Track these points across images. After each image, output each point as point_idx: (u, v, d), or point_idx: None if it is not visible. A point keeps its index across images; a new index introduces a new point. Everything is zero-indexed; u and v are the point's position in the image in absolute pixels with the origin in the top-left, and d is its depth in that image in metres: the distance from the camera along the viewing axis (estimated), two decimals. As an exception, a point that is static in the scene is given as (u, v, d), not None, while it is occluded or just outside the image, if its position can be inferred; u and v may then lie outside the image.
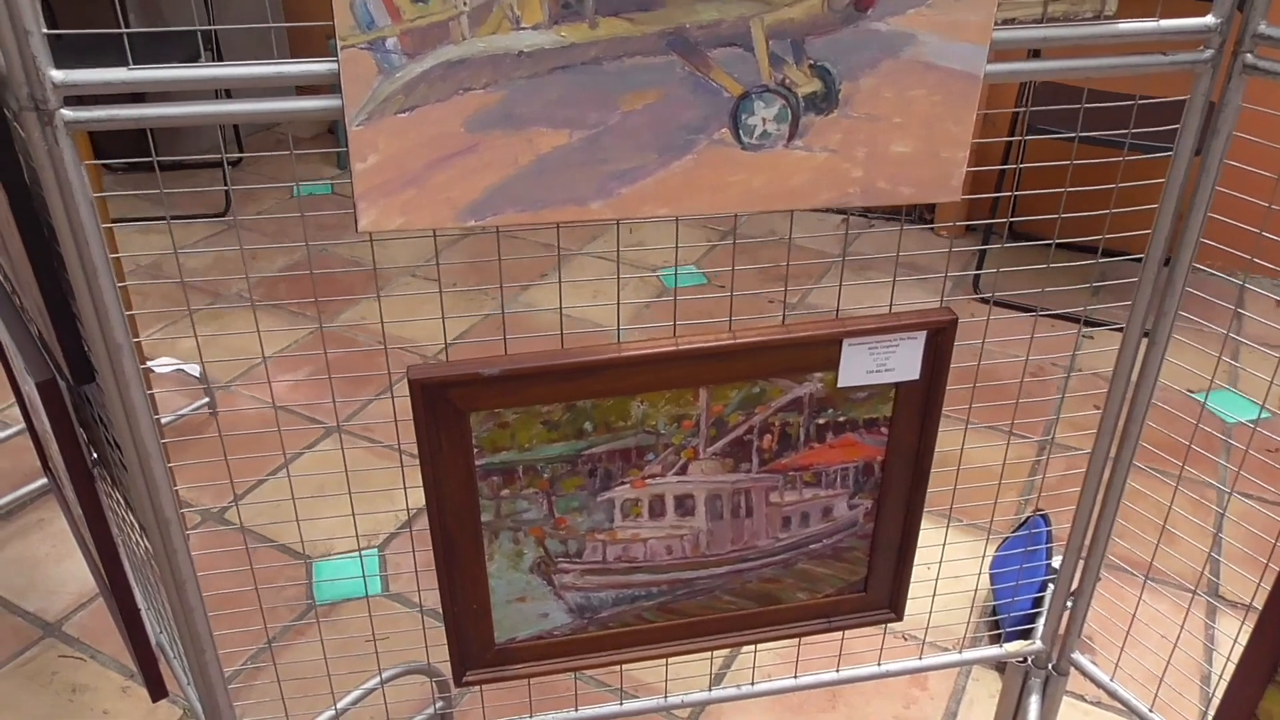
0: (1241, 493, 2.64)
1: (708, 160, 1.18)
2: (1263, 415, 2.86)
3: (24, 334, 1.55)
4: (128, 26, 4.33)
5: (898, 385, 1.38)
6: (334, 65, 1.08)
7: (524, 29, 1.08)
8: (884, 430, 1.42)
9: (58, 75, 1.07)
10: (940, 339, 1.35)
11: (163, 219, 4.30)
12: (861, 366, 1.34)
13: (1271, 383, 2.98)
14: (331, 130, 5.45)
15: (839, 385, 1.36)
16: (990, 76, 1.20)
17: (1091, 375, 3.08)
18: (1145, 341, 1.51)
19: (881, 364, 1.35)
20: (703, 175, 1.19)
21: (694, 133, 1.16)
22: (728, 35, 1.12)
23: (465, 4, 1.06)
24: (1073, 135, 2.99)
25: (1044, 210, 3.69)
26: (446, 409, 1.27)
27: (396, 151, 1.12)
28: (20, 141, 1.16)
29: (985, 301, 3.48)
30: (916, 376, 1.37)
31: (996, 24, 1.17)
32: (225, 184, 4.57)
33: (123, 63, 1.09)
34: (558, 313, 3.50)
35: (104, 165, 4.79)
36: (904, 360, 1.35)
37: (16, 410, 3.02)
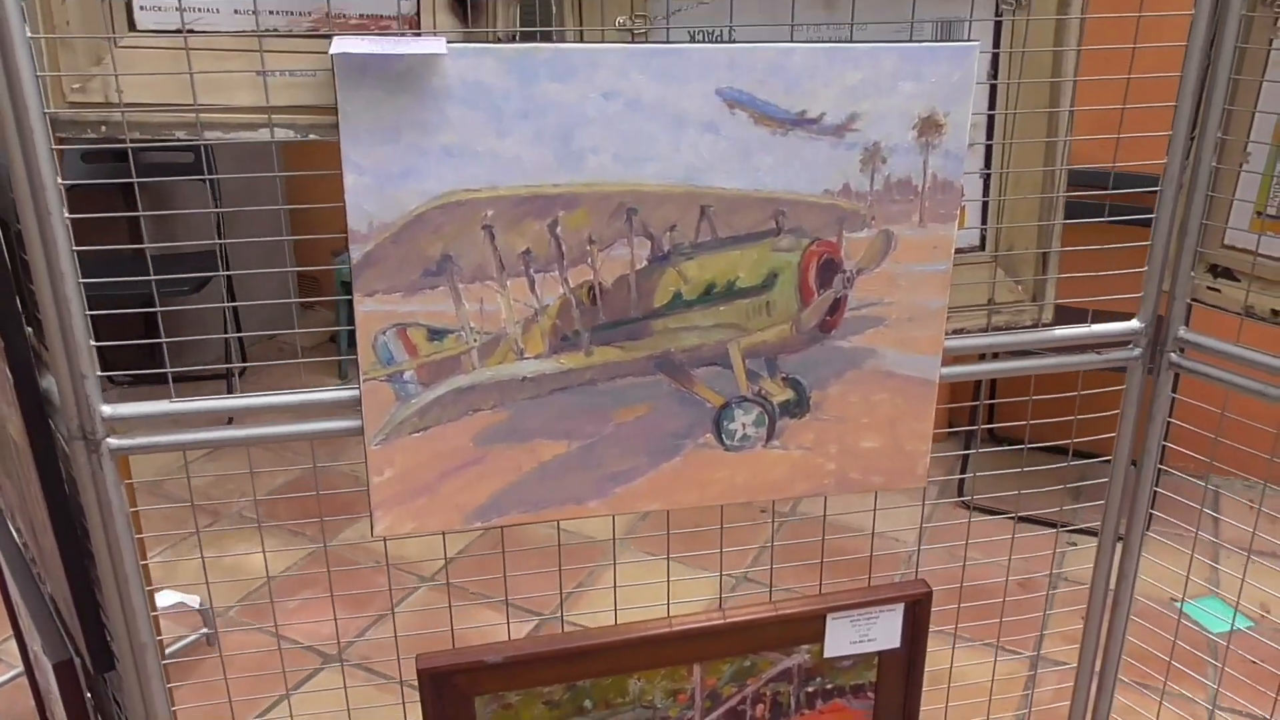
0: (1227, 708, 2.66)
1: (694, 461, 1.30)
2: (1244, 625, 2.91)
3: (42, 609, 1.62)
4: (144, 241, 4.52)
5: (880, 653, 1.46)
6: (356, 392, 1.20)
7: (527, 359, 1.21)
8: (870, 694, 1.48)
9: (107, 410, 1.19)
10: (917, 610, 1.44)
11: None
12: (845, 638, 1.43)
13: (1243, 585, 3.04)
14: (333, 339, 5.63)
15: (825, 656, 1.43)
16: (945, 377, 1.34)
17: (1079, 584, 3.13)
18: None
19: (864, 634, 1.43)
20: (690, 474, 1.30)
21: (681, 438, 1.28)
22: (708, 356, 1.26)
23: (475, 340, 1.19)
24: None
25: (1019, 414, 3.82)
26: (453, 693, 1.34)
27: (411, 466, 1.23)
28: (64, 457, 1.27)
29: (970, 508, 3.57)
30: (897, 644, 1.45)
31: (947, 334, 1.31)
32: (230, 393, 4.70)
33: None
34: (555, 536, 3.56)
35: (107, 378, 4.93)
36: (885, 630, 1.44)
37: (12, 644, 3.03)
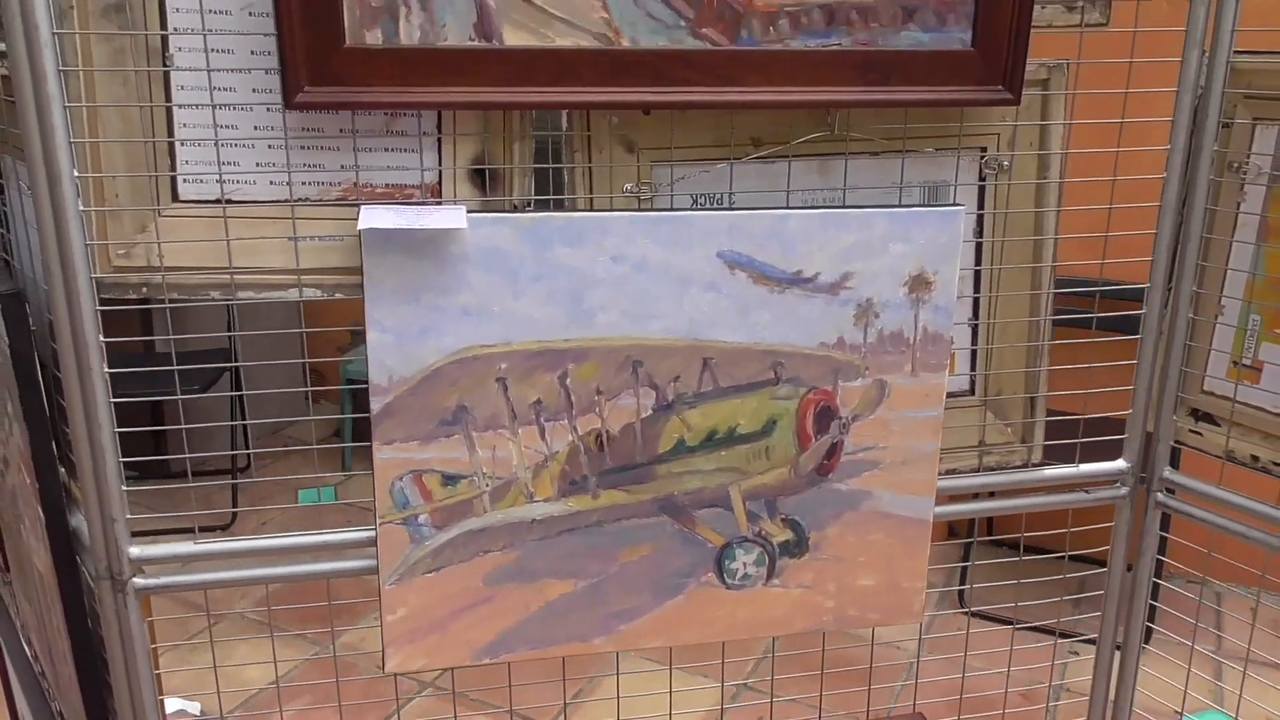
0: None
1: (697, 599, 1.34)
2: (1250, 740, 2.89)
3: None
4: (162, 333, 4.58)
5: (879, 785, 1.48)
6: (371, 533, 1.25)
7: (537, 502, 1.26)
8: (870, 827, 1.50)
9: (134, 551, 1.24)
10: (915, 742, 1.47)
11: (169, 532, 4.43)
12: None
13: (1241, 700, 3.02)
14: (337, 433, 5.68)
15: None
16: (939, 516, 1.39)
17: (1080, 695, 3.12)
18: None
19: (863, 766, 1.45)
20: (693, 611, 1.34)
21: (684, 577, 1.33)
22: (710, 499, 1.31)
23: (488, 484, 1.25)
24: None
25: (1018, 519, 3.84)
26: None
27: (423, 605, 1.27)
28: (88, 591, 1.32)
29: (971, 614, 3.57)
30: (897, 776, 1.47)
31: (940, 474, 1.37)
32: (234, 502, 4.73)
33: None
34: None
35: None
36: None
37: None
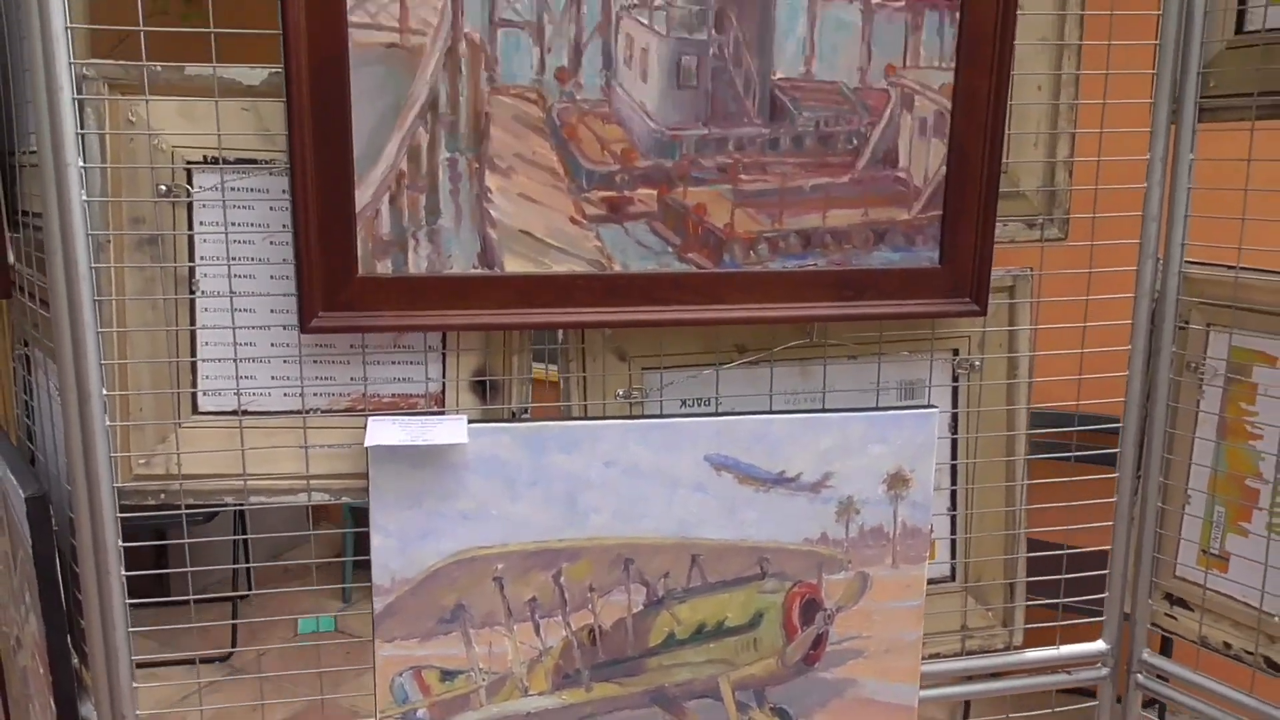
0: None
1: (687, 788, 1.37)
2: None
3: None
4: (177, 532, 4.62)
5: None
6: (372, 724, 1.29)
7: (531, 695, 1.31)
8: None
9: (141, 745, 1.28)
10: None
11: (166, 663, 4.40)
12: None
13: None
14: (338, 553, 5.68)
15: None
16: (924, 700, 1.42)
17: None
18: None
19: None
20: (684, 798, 1.37)
21: (675, 766, 1.36)
22: (700, 690, 1.35)
23: (484, 679, 1.29)
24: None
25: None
26: None
27: (420, 797, 1.30)
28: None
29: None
30: None
31: (923, 659, 1.41)
32: (233, 621, 4.71)
33: None
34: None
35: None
36: None
37: None
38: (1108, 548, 1.48)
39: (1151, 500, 1.45)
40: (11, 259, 1.42)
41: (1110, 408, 1.46)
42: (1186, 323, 1.40)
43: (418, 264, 1.20)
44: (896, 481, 1.35)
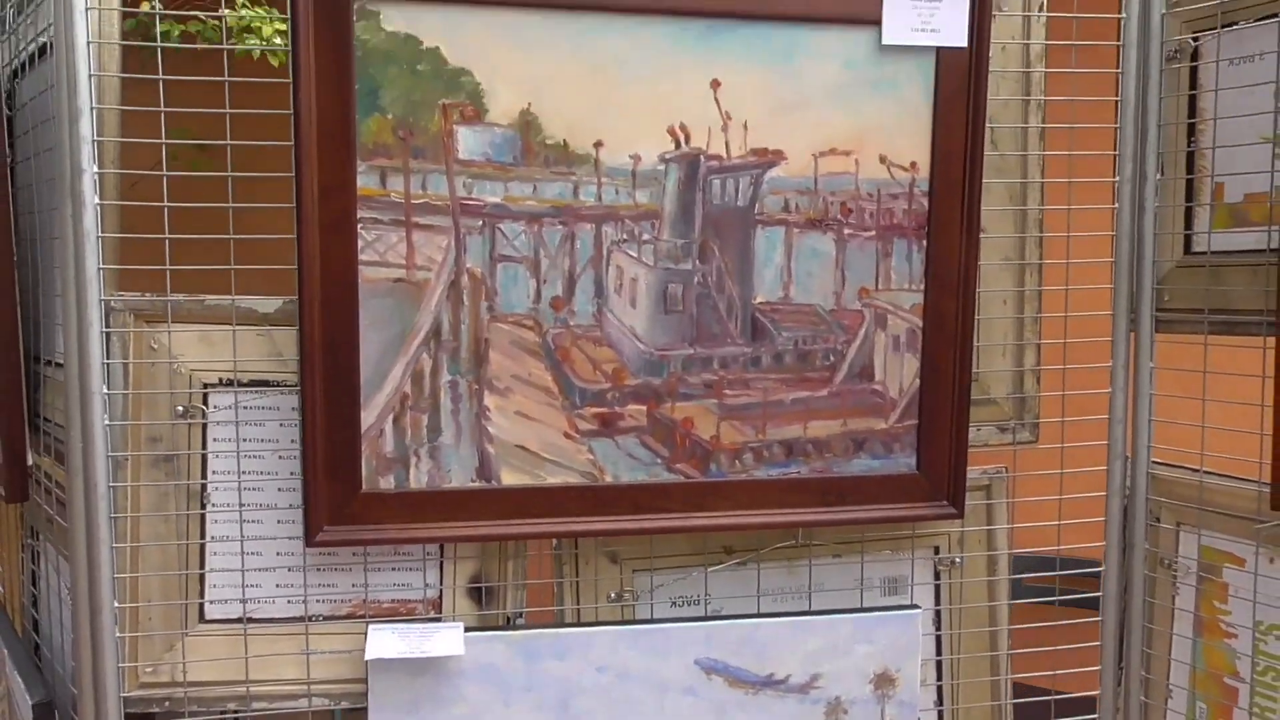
0: None
1: None
2: None
3: None
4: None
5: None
6: None
7: None
8: None
9: None
10: None
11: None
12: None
13: None
14: None
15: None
16: None
17: None
18: None
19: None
20: None
21: None
22: None
23: None
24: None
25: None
26: None
27: None
28: None
29: None
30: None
31: None
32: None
33: None
34: None
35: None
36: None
37: None
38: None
39: (1134, 695, 1.47)
40: (30, 460, 1.48)
41: (1091, 600, 1.51)
42: (1158, 520, 1.46)
43: (419, 479, 1.27)
44: (883, 681, 1.39)
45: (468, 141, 1.22)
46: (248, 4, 1.93)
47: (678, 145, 1.26)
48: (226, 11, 1.37)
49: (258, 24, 1.91)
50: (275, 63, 1.88)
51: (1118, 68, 1.41)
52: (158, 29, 1.29)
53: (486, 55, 1.21)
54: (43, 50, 1.45)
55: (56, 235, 1.38)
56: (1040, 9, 1.38)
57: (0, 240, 1.38)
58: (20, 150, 1.47)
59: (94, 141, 1.19)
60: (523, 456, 1.28)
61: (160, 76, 1.22)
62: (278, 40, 1.87)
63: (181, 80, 1.24)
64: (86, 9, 1.18)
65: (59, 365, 1.39)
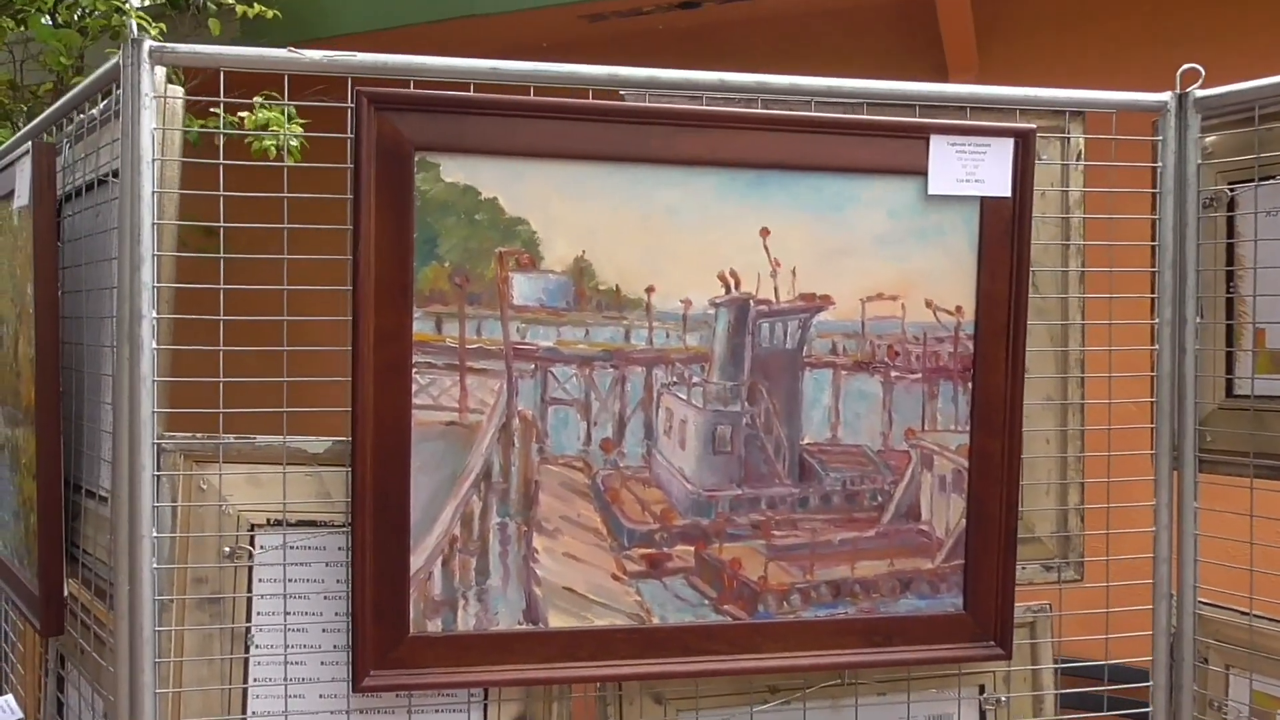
0: None
1: None
2: None
3: None
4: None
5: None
6: None
7: None
8: None
9: None
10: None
11: None
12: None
13: None
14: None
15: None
16: None
17: None
18: None
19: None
20: None
21: None
22: None
23: None
24: None
25: None
26: None
27: None
28: None
29: None
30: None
31: None
32: None
33: None
34: None
35: None
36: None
37: None
38: None
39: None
40: (67, 592, 1.47)
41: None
42: (1205, 660, 1.44)
43: (466, 622, 1.25)
44: (932, 830, 1.36)
45: (522, 288, 1.24)
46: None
47: (728, 290, 1.28)
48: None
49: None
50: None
51: (1154, 213, 1.43)
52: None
53: (543, 205, 1.23)
54: (89, 185, 1.48)
55: (108, 372, 1.40)
56: (1078, 157, 1.41)
57: (48, 374, 1.39)
58: (68, 281, 1.49)
59: (154, 288, 1.21)
60: (570, 598, 1.27)
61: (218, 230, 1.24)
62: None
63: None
64: (153, 160, 1.21)
65: (100, 497, 1.39)
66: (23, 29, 4.02)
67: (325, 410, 1.23)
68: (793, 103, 1.32)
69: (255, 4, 3.90)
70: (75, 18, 3.86)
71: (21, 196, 1.43)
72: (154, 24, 3.85)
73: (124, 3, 3.73)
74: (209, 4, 4.00)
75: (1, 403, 1.67)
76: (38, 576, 1.40)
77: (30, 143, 1.40)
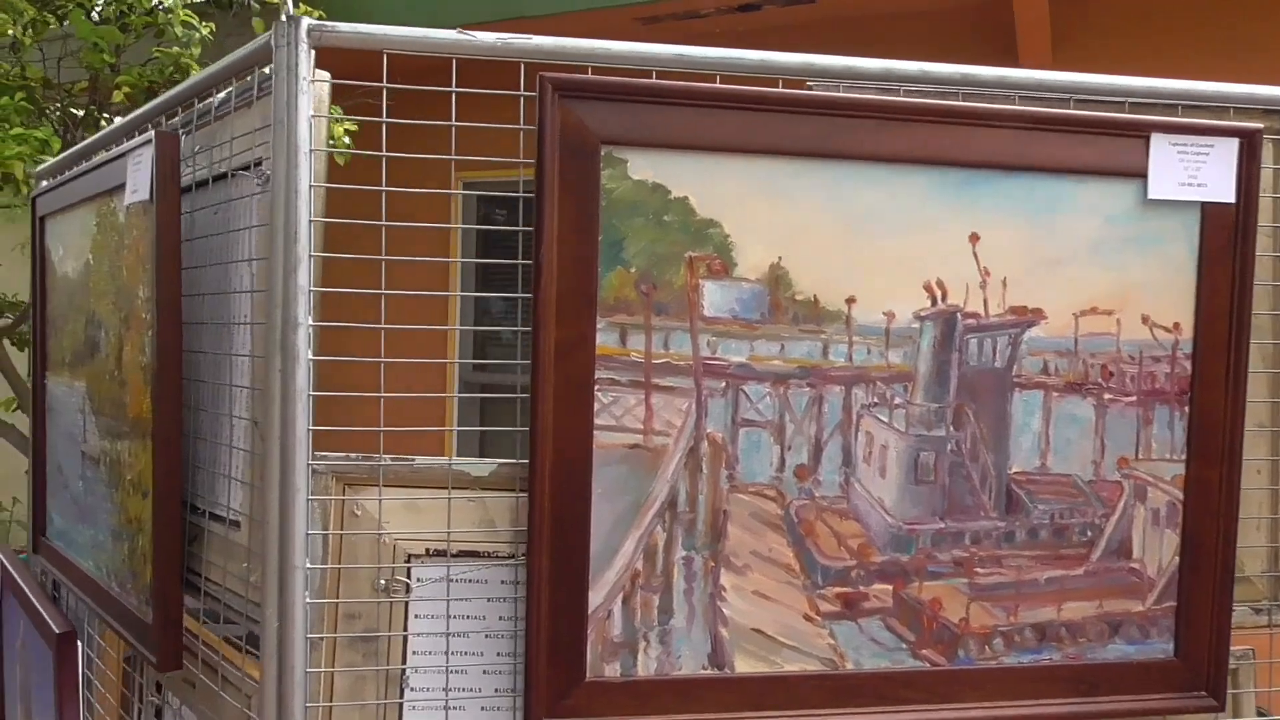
0: None
1: None
2: None
3: None
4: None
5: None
6: None
7: None
8: None
9: None
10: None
11: None
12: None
13: None
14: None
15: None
16: None
17: None
18: None
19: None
20: None
21: None
22: None
23: None
24: None
25: None
26: None
27: None
28: None
29: None
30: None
31: None
32: None
33: None
34: None
35: None
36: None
37: None
38: None
39: None
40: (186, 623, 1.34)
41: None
42: None
43: (647, 666, 1.13)
44: None
45: (714, 297, 1.12)
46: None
47: (934, 302, 1.16)
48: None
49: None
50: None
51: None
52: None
53: (737, 205, 1.12)
54: (204, 180, 1.37)
55: (233, 382, 1.28)
56: (1297, 161, 1.30)
57: (169, 384, 1.26)
58: (186, 284, 1.37)
59: (310, 292, 1.09)
60: (758, 641, 1.15)
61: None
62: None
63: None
64: (310, 150, 1.09)
65: (232, 522, 1.27)
66: (63, 25, 3.91)
67: (505, 430, 1.11)
68: (995, 96, 1.21)
69: (301, 5, 3.80)
70: (116, 14, 3.75)
71: (139, 191, 1.31)
72: (203, 23, 3.75)
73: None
74: (253, 4, 3.90)
75: (97, 413, 1.55)
76: (153, 606, 1.28)
77: (153, 132, 1.28)
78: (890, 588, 1.18)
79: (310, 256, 1.09)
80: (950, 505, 1.19)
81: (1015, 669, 1.21)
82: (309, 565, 1.09)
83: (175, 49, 3.61)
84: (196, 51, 3.66)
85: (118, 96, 3.61)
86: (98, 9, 3.77)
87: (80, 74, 3.89)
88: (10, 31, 3.64)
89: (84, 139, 3.88)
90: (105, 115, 3.94)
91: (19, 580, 1.70)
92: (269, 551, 1.09)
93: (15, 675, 1.80)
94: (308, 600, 1.09)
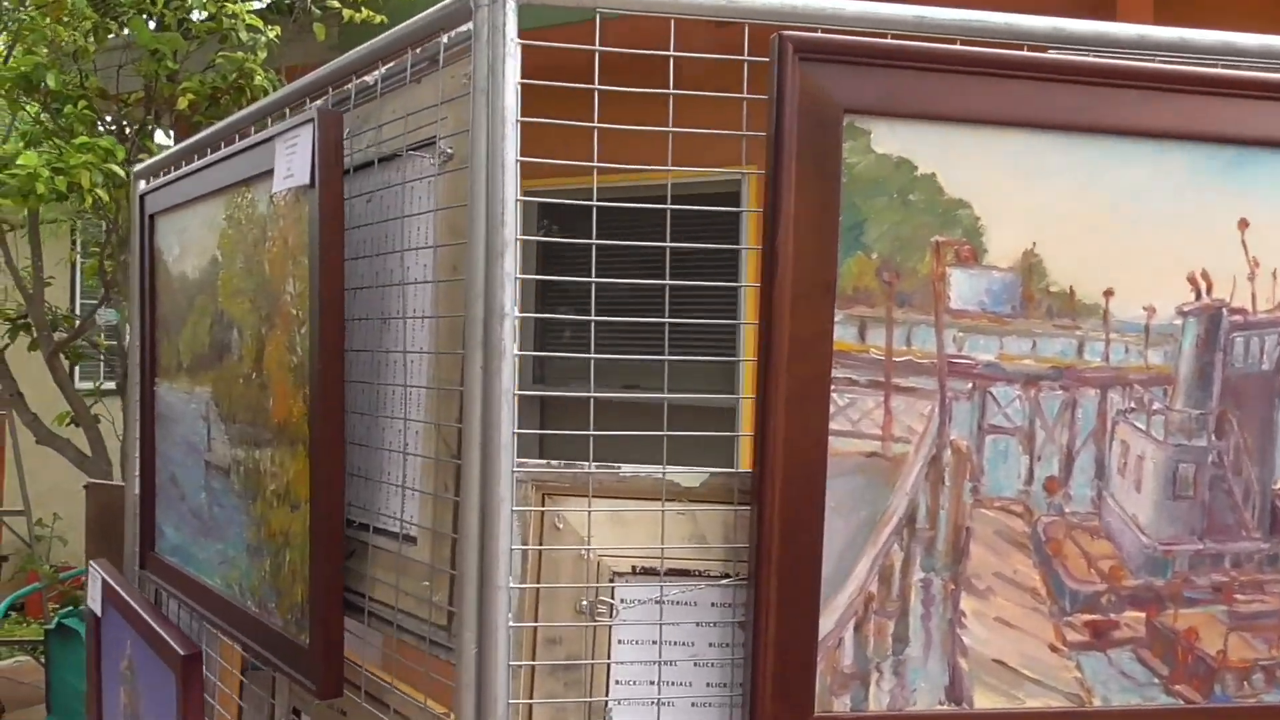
0: None
1: None
2: None
3: None
4: None
5: None
6: None
7: None
8: None
9: None
10: None
11: None
12: None
13: None
14: None
15: None
16: None
17: None
18: None
19: None
20: None
21: None
22: None
23: None
24: None
25: None
26: None
27: None
28: None
29: None
30: None
31: None
32: None
33: None
34: None
35: None
36: None
37: None
38: None
39: None
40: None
41: None
42: None
43: (879, 700, 1.01)
44: None
45: (961, 287, 1.01)
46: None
47: (1198, 296, 1.04)
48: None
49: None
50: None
51: None
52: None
53: (990, 184, 1.00)
54: (365, 161, 1.26)
55: (404, 381, 1.17)
56: None
57: (331, 388, 1.15)
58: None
59: (516, 279, 0.98)
60: (1000, 673, 1.03)
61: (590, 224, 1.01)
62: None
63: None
64: (517, 121, 0.98)
65: (407, 536, 1.15)
66: (125, 33, 3.84)
67: (721, 435, 0.99)
68: (1262, 65, 1.09)
69: (362, 8, 3.72)
70: (177, 21, 3.67)
71: (294, 175, 1.20)
72: (269, 27, 3.67)
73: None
74: (314, 8, 3.82)
75: (227, 420, 1.44)
76: (312, 628, 1.17)
77: (315, 110, 1.18)
78: (1143, 615, 1.05)
79: (516, 240, 0.98)
80: (1210, 524, 1.06)
81: (1275, 708, 1.08)
82: (512, 584, 0.98)
83: (240, 54, 3.53)
84: (262, 55, 3.59)
85: (182, 104, 3.53)
86: (158, 16, 3.69)
87: (133, 84, 3.82)
88: (70, 37, 3.57)
89: (142, 148, 3.80)
90: (160, 125, 3.86)
91: (128, 599, 1.59)
92: (466, 569, 0.97)
93: (118, 698, 1.69)
94: (511, 624, 0.97)
